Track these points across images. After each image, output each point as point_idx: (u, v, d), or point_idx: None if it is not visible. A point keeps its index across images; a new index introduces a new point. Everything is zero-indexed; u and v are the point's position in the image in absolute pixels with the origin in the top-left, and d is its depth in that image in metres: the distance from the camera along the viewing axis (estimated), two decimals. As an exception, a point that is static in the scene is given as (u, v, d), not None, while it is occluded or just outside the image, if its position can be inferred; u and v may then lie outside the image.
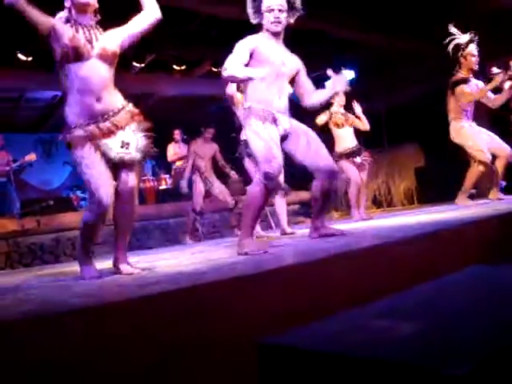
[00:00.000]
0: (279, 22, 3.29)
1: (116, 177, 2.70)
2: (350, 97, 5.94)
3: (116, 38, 2.75)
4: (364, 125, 6.00)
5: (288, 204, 7.39)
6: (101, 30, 2.75)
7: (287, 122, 3.31)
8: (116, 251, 2.84)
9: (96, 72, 2.63)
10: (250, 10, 3.35)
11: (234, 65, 3.08)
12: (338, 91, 3.68)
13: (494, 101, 5.28)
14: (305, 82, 3.49)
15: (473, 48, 5.11)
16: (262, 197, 3.07)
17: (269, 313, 1.79)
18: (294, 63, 3.42)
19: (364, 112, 6.02)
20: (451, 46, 5.14)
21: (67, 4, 2.68)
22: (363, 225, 4.60)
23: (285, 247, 3.32)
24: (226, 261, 2.74)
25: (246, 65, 3.17)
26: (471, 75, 5.20)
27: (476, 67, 5.15)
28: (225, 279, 1.90)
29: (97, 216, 2.62)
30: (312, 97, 3.47)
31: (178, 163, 8.78)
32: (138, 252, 4.85)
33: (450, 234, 2.73)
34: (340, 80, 3.39)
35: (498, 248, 2.74)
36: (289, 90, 3.50)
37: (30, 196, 9.45)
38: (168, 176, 9.25)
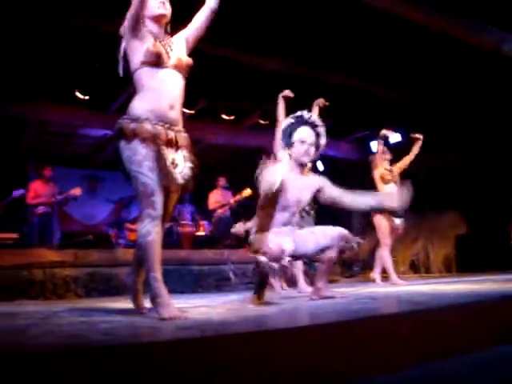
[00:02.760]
0: (308, 155, 3.49)
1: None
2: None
3: (184, 45, 2.80)
4: (413, 151, 6.05)
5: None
6: (171, 39, 2.79)
7: None
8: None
9: (173, 79, 2.65)
10: (280, 140, 3.56)
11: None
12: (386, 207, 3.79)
13: None
14: (331, 193, 3.53)
15: None
16: None
17: (293, 371, 1.74)
18: (309, 191, 3.53)
19: (406, 175, 6.06)
20: None
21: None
22: (397, 289, 4.50)
23: (315, 304, 3.27)
24: (255, 313, 2.71)
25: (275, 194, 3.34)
26: None
27: None
28: (252, 332, 1.88)
29: (155, 224, 2.48)
30: (352, 200, 3.49)
31: (219, 211, 8.84)
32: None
33: (485, 306, 2.63)
34: (393, 198, 3.52)
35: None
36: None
37: (71, 229, 9.68)
38: (207, 223, 9.29)
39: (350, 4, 5.50)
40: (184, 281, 6.13)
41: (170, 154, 2.55)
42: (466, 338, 2.28)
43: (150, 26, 2.72)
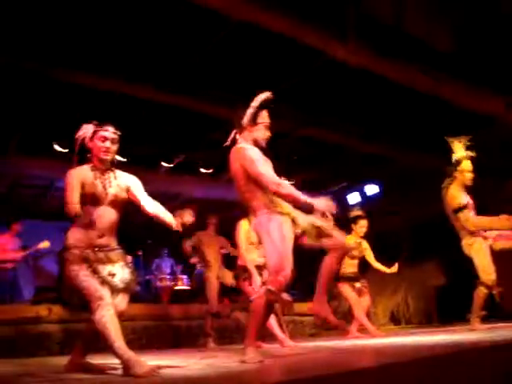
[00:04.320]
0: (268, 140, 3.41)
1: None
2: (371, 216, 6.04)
3: (128, 187, 3.07)
4: (375, 264, 6.22)
5: (303, 315, 7.27)
6: (116, 171, 3.09)
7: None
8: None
9: (106, 216, 2.95)
10: (248, 116, 3.39)
11: (286, 184, 3.15)
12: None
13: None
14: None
15: (468, 164, 4.98)
16: (265, 308, 3.03)
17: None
18: None
19: (384, 228, 6.14)
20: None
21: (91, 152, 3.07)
22: (375, 341, 4.48)
23: (296, 358, 3.22)
24: (234, 369, 2.65)
25: None
26: (464, 191, 5.02)
27: (470, 183, 5.01)
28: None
29: (106, 309, 2.68)
30: None
31: (199, 266, 8.79)
32: (148, 352, 4.73)
33: (459, 356, 2.60)
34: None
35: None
36: None
37: (46, 283, 9.44)
38: (185, 277, 9.23)
39: (326, 62, 5.68)
40: (162, 336, 6.01)
41: (106, 268, 2.85)
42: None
43: (96, 162, 3.05)
